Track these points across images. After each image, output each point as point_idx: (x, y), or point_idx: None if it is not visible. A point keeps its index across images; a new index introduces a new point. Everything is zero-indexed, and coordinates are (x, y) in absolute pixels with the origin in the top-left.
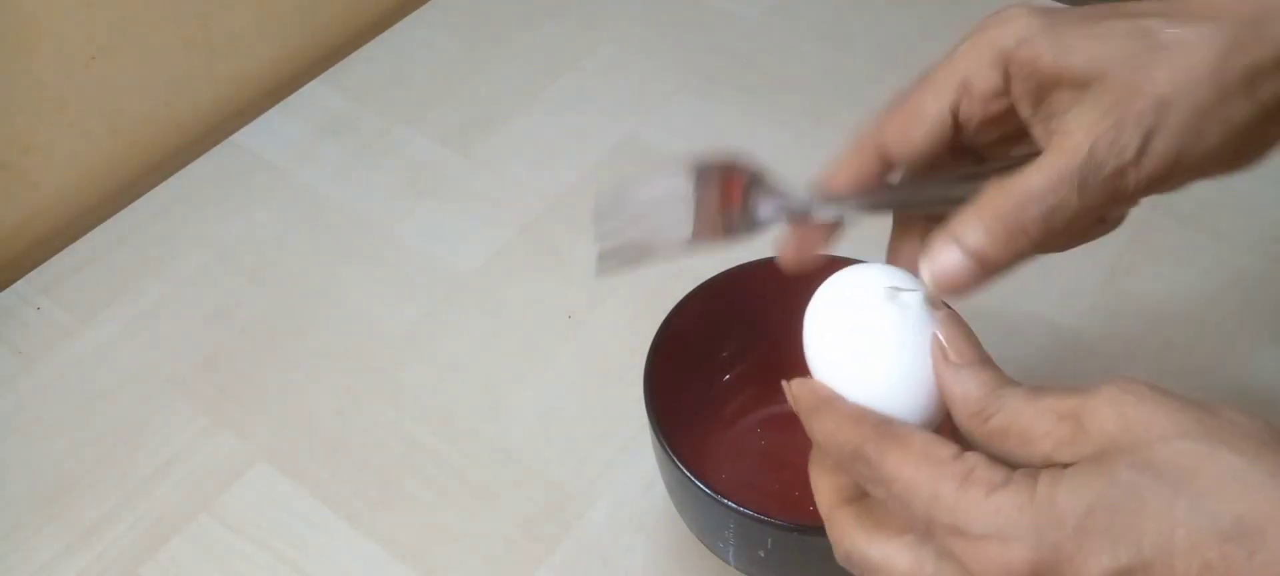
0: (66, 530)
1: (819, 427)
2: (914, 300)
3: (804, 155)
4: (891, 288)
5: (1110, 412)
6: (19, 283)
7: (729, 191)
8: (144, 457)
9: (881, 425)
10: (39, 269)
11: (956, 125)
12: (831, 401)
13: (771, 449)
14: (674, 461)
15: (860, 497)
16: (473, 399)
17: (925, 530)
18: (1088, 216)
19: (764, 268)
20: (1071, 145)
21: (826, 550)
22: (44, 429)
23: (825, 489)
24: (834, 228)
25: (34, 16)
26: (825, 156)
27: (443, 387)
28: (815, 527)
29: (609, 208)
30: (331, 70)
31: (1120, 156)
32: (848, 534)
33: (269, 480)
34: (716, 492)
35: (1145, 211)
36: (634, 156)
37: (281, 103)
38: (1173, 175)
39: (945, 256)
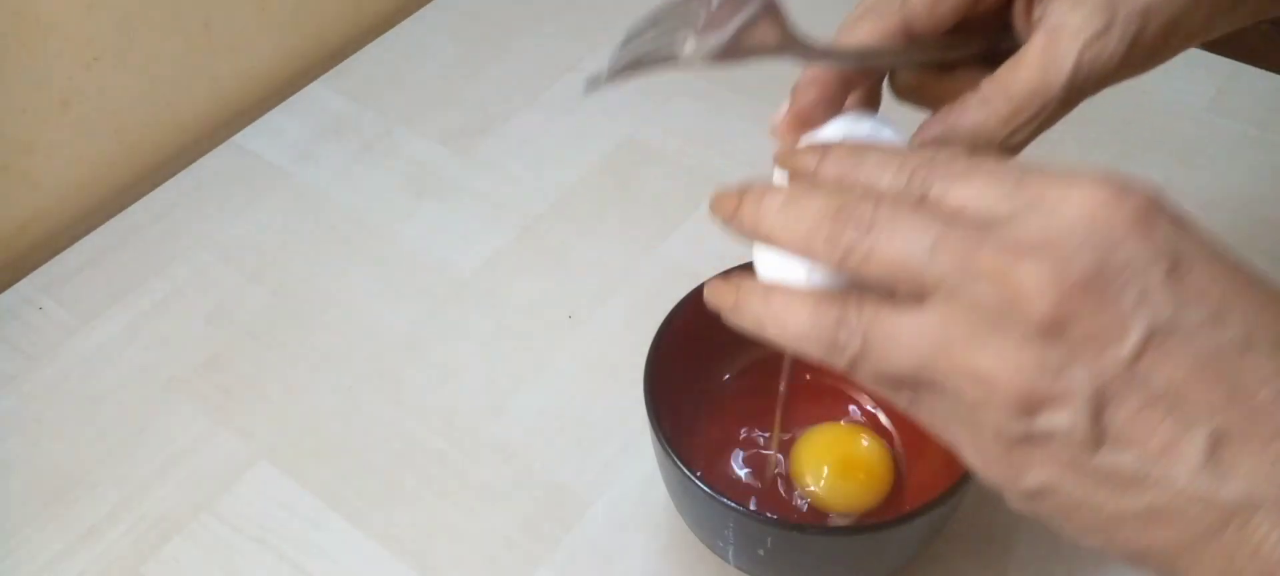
0: (68, 529)
1: (863, 169)
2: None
3: None
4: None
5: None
6: (21, 282)
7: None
8: (146, 457)
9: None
10: (41, 269)
11: None
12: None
13: None
14: (674, 461)
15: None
16: (473, 399)
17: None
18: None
19: None
20: (1061, 52)
21: (826, 550)
22: (46, 428)
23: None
24: (839, 91)
25: (36, 17)
26: None
27: (443, 387)
28: (815, 527)
29: (637, 27)
30: (333, 71)
31: (1105, 66)
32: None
33: (270, 479)
34: (716, 492)
35: None
36: (634, 156)
37: (283, 103)
38: (1143, 70)
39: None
